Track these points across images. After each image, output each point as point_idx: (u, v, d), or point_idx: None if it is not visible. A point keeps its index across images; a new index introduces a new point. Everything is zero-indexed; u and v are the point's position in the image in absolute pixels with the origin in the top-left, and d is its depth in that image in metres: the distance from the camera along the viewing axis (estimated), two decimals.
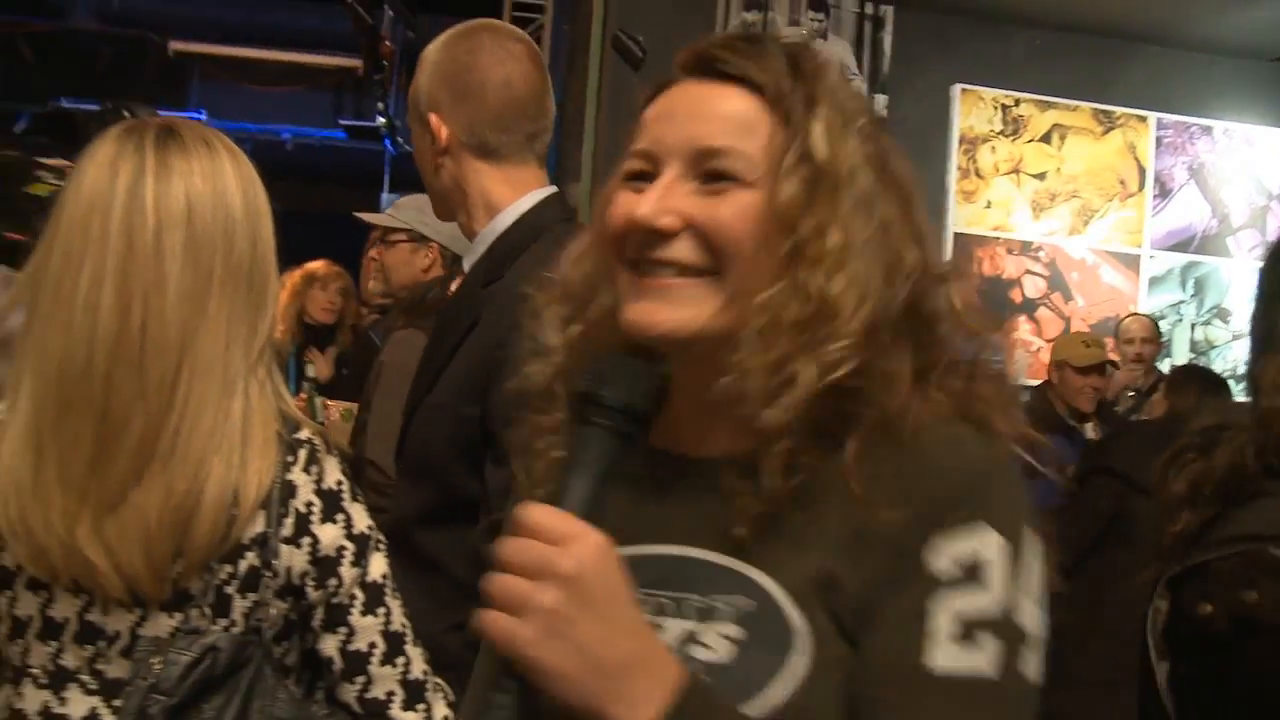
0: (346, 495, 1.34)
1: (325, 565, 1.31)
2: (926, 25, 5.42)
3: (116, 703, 1.28)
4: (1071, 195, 5.70)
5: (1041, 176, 5.65)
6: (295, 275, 4.55)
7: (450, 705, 1.37)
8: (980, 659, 0.80)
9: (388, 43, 6.93)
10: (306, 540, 1.30)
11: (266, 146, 10.18)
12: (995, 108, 5.57)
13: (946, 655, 0.79)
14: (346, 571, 1.32)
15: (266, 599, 1.30)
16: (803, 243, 0.85)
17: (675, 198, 0.87)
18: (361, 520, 1.34)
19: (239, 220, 1.28)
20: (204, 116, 9.83)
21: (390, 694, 1.33)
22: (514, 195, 1.70)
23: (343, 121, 9.59)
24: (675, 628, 0.87)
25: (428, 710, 1.34)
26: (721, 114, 0.88)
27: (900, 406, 0.84)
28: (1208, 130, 5.93)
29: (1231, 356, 5.94)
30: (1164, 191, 5.86)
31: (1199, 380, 3.64)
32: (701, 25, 5.22)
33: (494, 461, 1.53)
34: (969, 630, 0.80)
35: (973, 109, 5.54)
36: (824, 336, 0.84)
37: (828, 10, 5.30)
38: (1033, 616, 0.82)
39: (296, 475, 1.30)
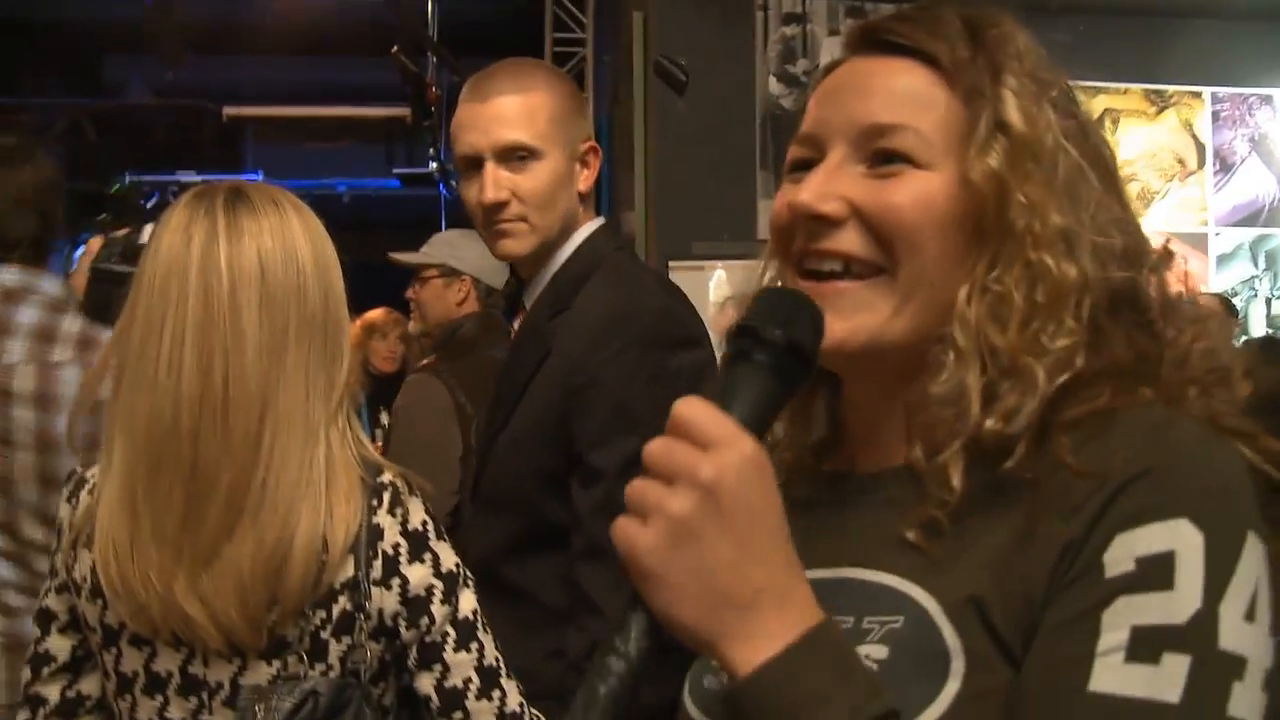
0: (433, 534, 1.37)
1: (416, 605, 1.34)
2: None
3: None
4: (1130, 179, 5.62)
5: None
6: (355, 327, 4.60)
7: None
8: (1162, 682, 0.65)
9: (434, 89, 7.04)
10: (396, 581, 1.34)
11: (323, 201, 10.35)
12: None
13: (1116, 678, 0.66)
14: (437, 609, 1.35)
15: (361, 641, 1.33)
16: (1017, 223, 0.75)
17: (841, 181, 0.78)
18: (449, 558, 1.37)
19: (309, 274, 1.32)
20: (260, 177, 10.08)
21: None
22: (574, 229, 1.75)
23: (396, 170, 9.76)
24: None
25: None
26: (891, 88, 0.79)
27: (1108, 403, 0.73)
28: (1267, 99, 5.82)
29: None
30: (1225, 166, 5.75)
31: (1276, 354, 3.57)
32: (742, 42, 5.25)
33: (581, 484, 1.56)
34: (1150, 644, 0.65)
35: None
36: (1051, 331, 0.74)
37: (866, 16, 5.30)
38: (1241, 636, 0.66)
39: (382, 518, 1.33)
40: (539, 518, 1.63)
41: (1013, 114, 0.77)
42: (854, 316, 0.77)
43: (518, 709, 1.37)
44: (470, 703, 1.35)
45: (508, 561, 1.65)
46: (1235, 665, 0.65)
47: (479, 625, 1.38)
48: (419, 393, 3.00)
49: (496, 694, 1.36)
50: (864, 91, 0.79)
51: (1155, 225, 5.64)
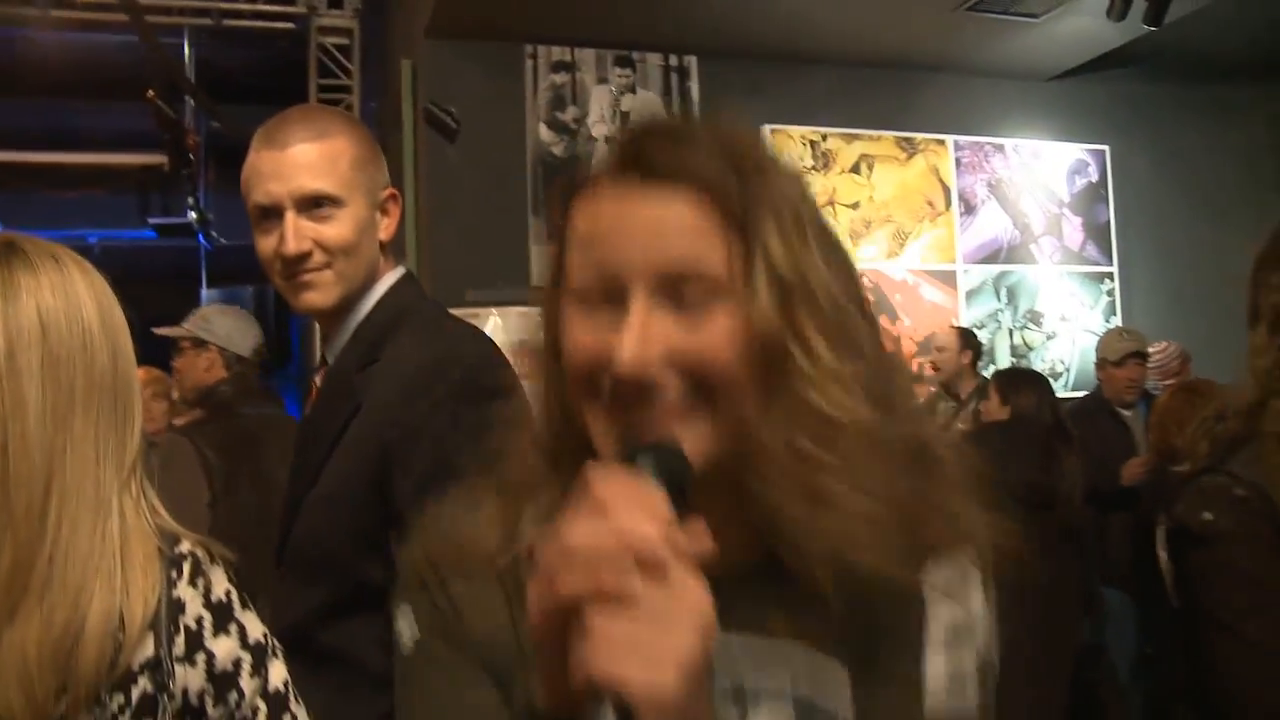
0: (237, 605, 1.29)
1: (224, 680, 1.26)
2: (730, 71, 5.60)
3: None
4: (885, 220, 5.95)
5: (855, 205, 5.88)
6: None
7: None
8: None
9: (193, 136, 6.76)
10: (201, 657, 1.25)
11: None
12: (804, 144, 5.79)
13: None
14: (246, 683, 1.27)
15: None
16: (792, 361, 0.79)
17: (655, 333, 0.79)
18: (255, 628, 1.29)
19: (96, 333, 1.23)
20: (1, 228, 9.37)
21: None
22: (374, 280, 1.70)
23: (152, 220, 9.28)
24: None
25: None
26: (682, 227, 0.80)
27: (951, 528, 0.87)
28: (1000, 148, 6.29)
29: (1049, 356, 6.28)
30: (969, 208, 6.17)
31: (1029, 381, 3.85)
32: (512, 90, 5.27)
33: (400, 541, 1.49)
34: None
35: (783, 148, 5.75)
36: (836, 469, 0.80)
37: (634, 65, 5.42)
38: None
39: (183, 590, 1.25)
40: (356, 579, 1.54)
41: (780, 258, 0.80)
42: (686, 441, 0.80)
43: None
44: None
45: (324, 626, 1.56)
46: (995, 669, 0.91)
47: (290, 696, 1.31)
48: (168, 449, 3.22)
49: None
50: (653, 233, 0.80)
51: (910, 263, 5.99)
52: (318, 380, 1.73)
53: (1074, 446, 3.59)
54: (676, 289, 0.80)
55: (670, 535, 0.68)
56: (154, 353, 4.72)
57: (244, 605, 1.29)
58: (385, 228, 1.70)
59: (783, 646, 0.84)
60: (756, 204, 0.80)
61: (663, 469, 0.74)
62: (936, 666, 0.86)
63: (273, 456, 3.17)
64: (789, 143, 5.76)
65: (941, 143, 6.12)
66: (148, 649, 1.21)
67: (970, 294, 6.11)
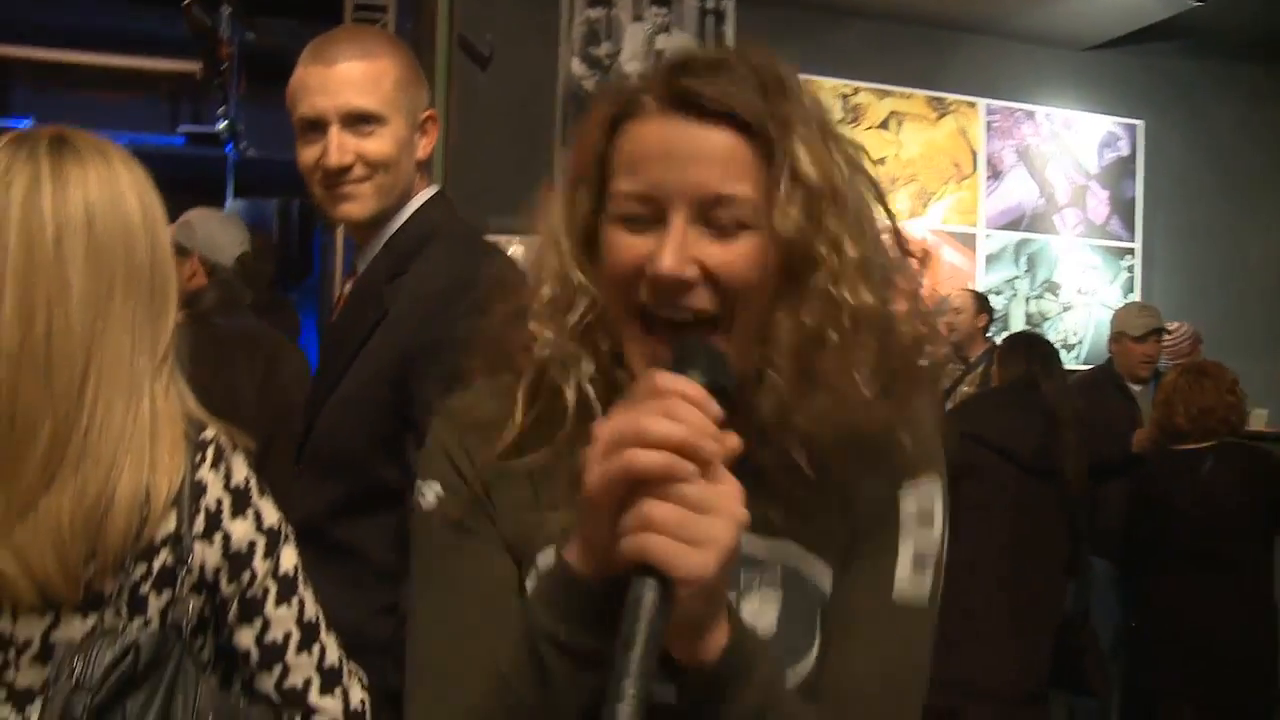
0: (254, 491, 1.36)
1: (237, 560, 1.34)
2: (766, 18, 5.57)
3: (29, 711, 1.28)
4: (910, 179, 5.96)
5: (881, 162, 5.88)
6: None
7: (365, 689, 1.42)
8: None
9: (227, 46, 6.77)
10: (218, 536, 1.33)
11: None
12: (835, 97, 5.78)
13: (902, 587, 0.98)
14: (259, 564, 1.35)
15: (181, 595, 1.32)
16: (821, 260, 0.90)
17: (691, 247, 0.89)
18: (271, 514, 1.37)
19: (137, 227, 1.30)
20: (31, 123, 9.42)
21: (307, 681, 1.36)
22: (409, 196, 1.77)
23: (182, 128, 9.31)
24: None
25: (345, 694, 1.38)
26: (718, 157, 0.90)
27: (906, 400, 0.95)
28: (1031, 115, 6.26)
29: (1062, 327, 6.30)
30: (995, 173, 6.16)
31: (1024, 348, 3.88)
32: (546, 22, 5.26)
33: (419, 447, 1.56)
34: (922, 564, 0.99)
35: None
36: (857, 356, 0.91)
37: (670, 4, 5.40)
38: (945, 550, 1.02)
39: (205, 474, 1.33)
40: (371, 479, 1.62)
41: (806, 166, 0.90)
42: None
43: (336, 663, 1.39)
44: (290, 656, 1.35)
45: (337, 521, 1.64)
46: (942, 569, 1.00)
47: (299, 581, 1.38)
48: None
49: (316, 648, 1.37)
50: (695, 160, 0.90)
51: (932, 224, 6.00)
52: (347, 288, 1.80)
53: (1078, 417, 3.63)
54: (711, 212, 0.90)
55: (719, 435, 0.80)
56: None
57: (261, 492, 1.37)
58: (423, 147, 1.77)
59: (776, 541, 0.96)
60: (784, 123, 0.90)
61: (711, 373, 0.84)
62: (905, 553, 0.97)
63: (240, 369, 3.10)
64: (819, 93, 5.73)
65: (973, 105, 6.10)
66: (170, 525, 1.29)
67: (990, 259, 6.12)
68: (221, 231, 3.31)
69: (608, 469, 0.79)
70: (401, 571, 1.57)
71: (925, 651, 0.99)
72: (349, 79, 1.68)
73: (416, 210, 1.76)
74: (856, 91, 5.82)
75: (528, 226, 1.84)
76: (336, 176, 1.70)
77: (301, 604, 1.38)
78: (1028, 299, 6.23)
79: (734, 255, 0.90)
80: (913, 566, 0.97)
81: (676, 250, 0.89)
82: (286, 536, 1.39)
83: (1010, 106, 6.20)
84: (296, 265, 8.17)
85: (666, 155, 0.91)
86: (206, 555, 1.32)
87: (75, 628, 1.28)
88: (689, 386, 0.80)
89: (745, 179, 0.90)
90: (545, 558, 0.97)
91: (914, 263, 1.00)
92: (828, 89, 5.76)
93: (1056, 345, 6.12)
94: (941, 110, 6.03)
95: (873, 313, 0.91)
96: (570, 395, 0.96)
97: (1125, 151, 6.47)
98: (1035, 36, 6.12)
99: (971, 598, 3.41)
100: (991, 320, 5.39)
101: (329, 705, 1.37)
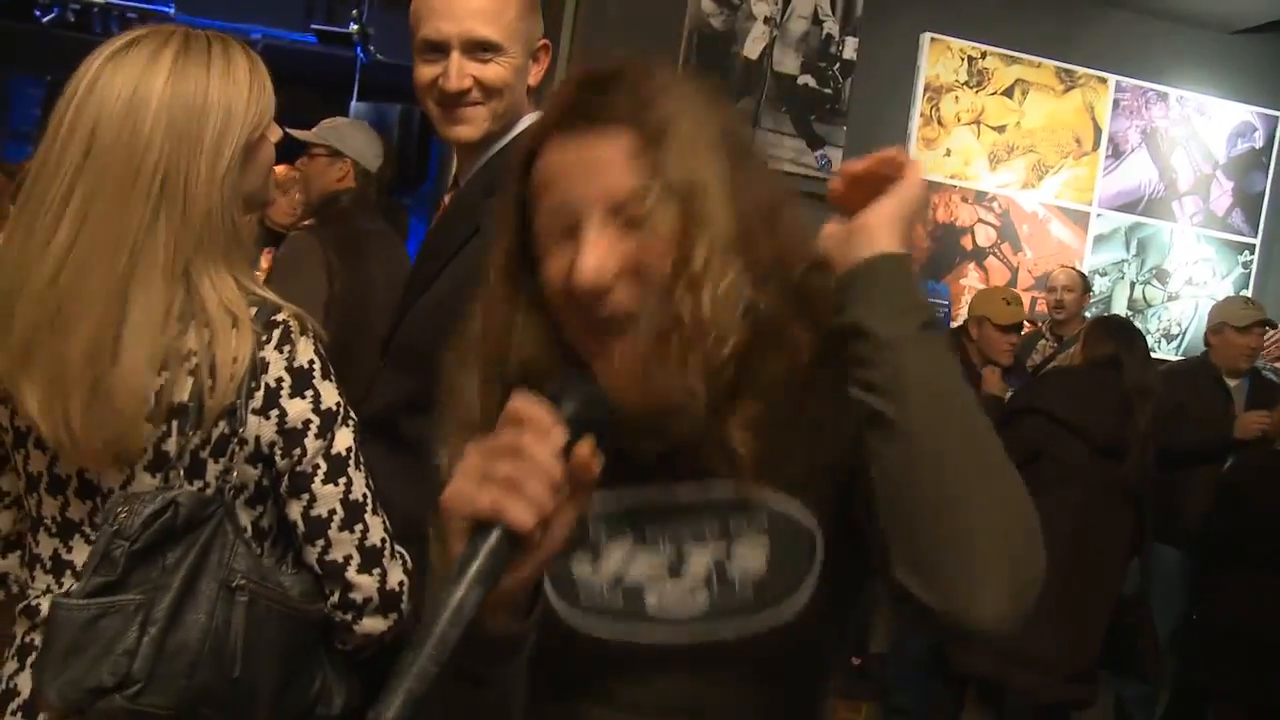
0: (318, 373, 1.44)
1: (291, 436, 1.42)
2: None
3: None
4: (1028, 150, 5.86)
5: (1001, 129, 5.80)
6: None
7: (408, 572, 1.48)
8: None
9: None
10: (275, 412, 1.41)
11: None
12: (961, 58, 5.69)
13: None
14: (310, 443, 1.42)
15: (235, 465, 1.41)
16: (679, 265, 0.96)
17: (607, 248, 0.96)
18: (330, 397, 1.44)
19: (155, 124, 1.36)
20: (171, 10, 9.68)
21: (347, 557, 1.44)
22: (519, 118, 1.86)
23: (314, 26, 9.50)
24: (702, 556, 1.03)
25: (383, 574, 1.46)
26: (612, 162, 0.96)
27: (801, 361, 1.01)
28: (1163, 96, 6.09)
29: (1166, 316, 6.18)
30: (1116, 153, 6.03)
31: (1115, 332, 3.86)
32: None
33: None
34: None
35: (940, 58, 5.67)
36: (704, 347, 0.96)
37: None
38: None
39: (269, 353, 1.41)
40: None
41: (675, 174, 0.95)
42: (637, 349, 0.97)
43: (379, 543, 1.46)
44: (332, 533, 1.43)
45: (409, 416, 1.73)
46: None
47: (351, 462, 1.45)
48: (299, 246, 3.38)
49: (359, 527, 1.44)
50: (593, 170, 0.97)
51: (1044, 197, 5.91)
52: (446, 199, 1.89)
53: (1152, 404, 3.61)
54: (620, 212, 0.96)
55: (557, 466, 0.83)
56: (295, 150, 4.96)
57: (324, 375, 1.44)
58: (534, 74, 1.85)
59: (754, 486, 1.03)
60: (661, 130, 0.96)
61: (582, 409, 0.88)
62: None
63: (373, 267, 3.37)
64: (946, 53, 5.66)
65: (1103, 81, 5.95)
66: (229, 397, 1.38)
67: (1099, 239, 6.02)
68: (368, 141, 3.59)
69: (454, 496, 0.84)
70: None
71: None
72: (473, 7, 1.77)
73: (520, 132, 1.83)
74: (984, 55, 5.73)
75: None
76: (453, 99, 1.79)
77: (349, 483, 1.45)
78: (1133, 284, 6.12)
79: (646, 247, 0.96)
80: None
81: (592, 256, 0.95)
82: (345, 419, 1.46)
83: (1142, 85, 6.04)
84: (414, 171, 8.34)
85: (568, 171, 0.98)
86: (262, 429, 1.41)
87: (144, 484, 1.40)
88: (536, 412, 0.84)
89: (640, 175, 0.96)
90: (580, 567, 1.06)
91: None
92: (955, 49, 5.68)
93: (1157, 335, 6.07)
94: (1070, 83, 5.90)
95: (704, 322, 0.96)
96: (441, 459, 1.06)
97: (1259, 144, 6.27)
98: (1178, 14, 5.94)
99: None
100: (1091, 301, 5.32)
101: (365, 582, 1.45)
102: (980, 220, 5.78)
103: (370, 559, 1.46)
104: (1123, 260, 6.08)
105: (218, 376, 1.37)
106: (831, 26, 5.36)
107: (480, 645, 0.86)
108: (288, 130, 3.60)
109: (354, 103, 9.24)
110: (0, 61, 10.43)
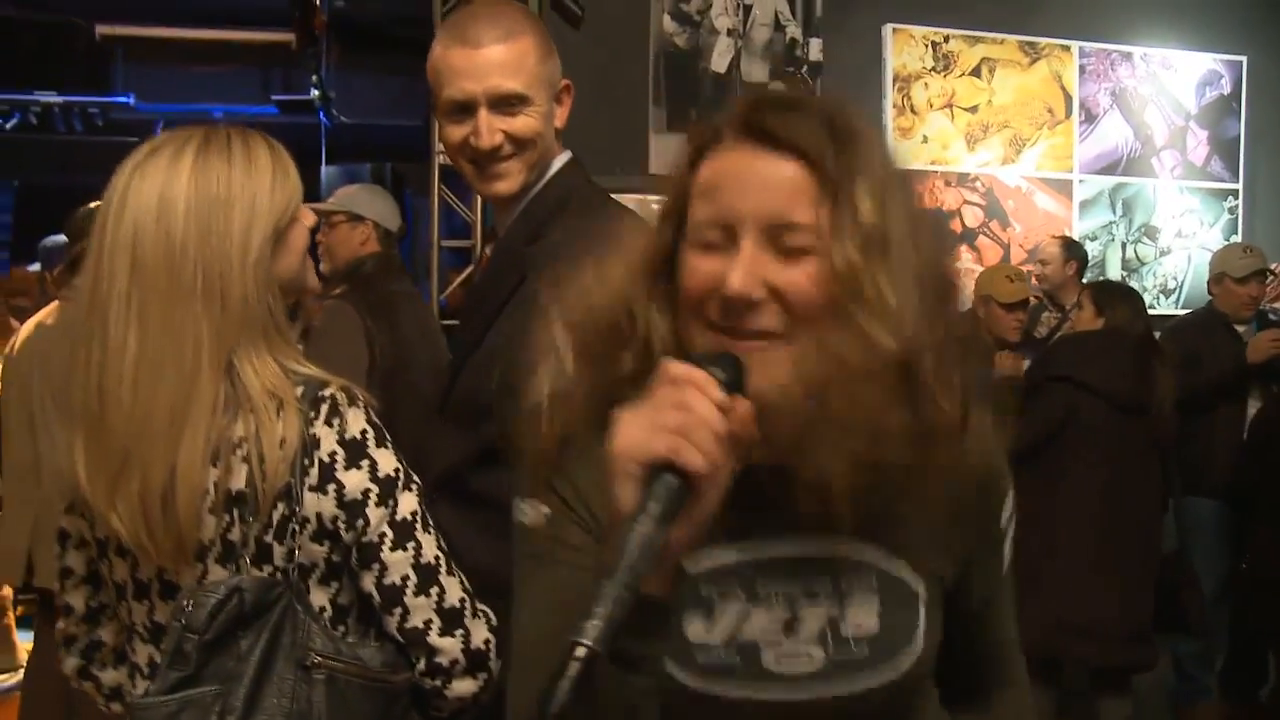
0: (373, 442, 1.44)
1: (352, 508, 1.42)
2: None
3: None
4: (1003, 125, 5.89)
5: (974, 109, 5.83)
6: None
7: (493, 630, 1.47)
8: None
9: (320, 15, 6.90)
10: (332, 487, 1.41)
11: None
12: (925, 45, 5.73)
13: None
14: (373, 512, 1.42)
15: (300, 544, 1.41)
16: (865, 301, 0.96)
17: (760, 269, 0.97)
18: (388, 463, 1.45)
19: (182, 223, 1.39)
20: (132, 100, 9.69)
21: (428, 622, 1.43)
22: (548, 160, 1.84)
23: (275, 97, 9.50)
24: (816, 612, 1.06)
25: (466, 635, 1.45)
26: (787, 187, 0.98)
27: (953, 427, 1.02)
28: (1128, 56, 6.14)
29: (1161, 272, 6.20)
30: (1089, 117, 6.06)
31: (1123, 294, 3.91)
32: None
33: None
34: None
35: (904, 47, 5.70)
36: (874, 393, 0.97)
37: None
38: None
39: (319, 429, 1.41)
40: (508, 430, 1.72)
41: (865, 212, 0.97)
42: (767, 372, 0.97)
43: (458, 604, 1.45)
44: (408, 598, 1.43)
45: (476, 471, 1.73)
46: None
47: (418, 525, 1.45)
48: (336, 316, 3.39)
49: (435, 590, 1.44)
50: (767, 189, 0.98)
51: (1025, 170, 5.93)
52: (488, 250, 1.89)
53: (1165, 358, 3.64)
54: (778, 236, 0.97)
55: (724, 408, 0.89)
56: None
57: (380, 443, 1.45)
58: (560, 116, 1.84)
59: (858, 543, 1.07)
60: (850, 169, 0.98)
61: (726, 373, 0.92)
62: (1006, 554, 1.20)
63: (408, 327, 3.41)
64: (910, 42, 5.70)
65: (1067, 49, 5.99)
66: (284, 478, 1.39)
67: (1084, 204, 6.04)
68: (386, 204, 3.62)
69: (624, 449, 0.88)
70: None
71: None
72: (495, 61, 1.75)
73: (553, 176, 1.83)
74: (948, 39, 5.76)
75: (623, 185, 1.92)
76: (487, 156, 1.78)
77: (418, 547, 1.44)
78: (1124, 244, 6.14)
79: (799, 277, 0.97)
80: (1009, 561, 1.20)
81: (747, 270, 0.96)
82: (408, 484, 1.46)
83: (1105, 48, 6.08)
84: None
85: (739, 183, 0.99)
86: (322, 505, 1.41)
87: (217, 576, 1.40)
88: (695, 372, 0.89)
89: (810, 208, 0.97)
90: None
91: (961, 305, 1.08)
92: (919, 36, 5.71)
93: (1155, 291, 6.09)
94: (1034, 55, 5.94)
95: (894, 357, 0.96)
96: (544, 417, 1.07)
97: (1227, 90, 6.32)
98: None
99: (1072, 540, 3.44)
100: (1084, 266, 5.33)
101: (448, 645, 1.44)
102: (966, 202, 5.80)
103: (451, 621, 1.45)
104: (1110, 222, 6.11)
105: (267, 460, 1.37)
106: (794, 30, 5.38)
107: (639, 610, 0.86)
108: (307, 206, 3.67)
109: (324, 167, 9.23)
110: None
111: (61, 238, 3.77)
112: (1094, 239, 6.01)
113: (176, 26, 8.70)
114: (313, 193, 4.31)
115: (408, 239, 8.29)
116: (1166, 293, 6.20)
